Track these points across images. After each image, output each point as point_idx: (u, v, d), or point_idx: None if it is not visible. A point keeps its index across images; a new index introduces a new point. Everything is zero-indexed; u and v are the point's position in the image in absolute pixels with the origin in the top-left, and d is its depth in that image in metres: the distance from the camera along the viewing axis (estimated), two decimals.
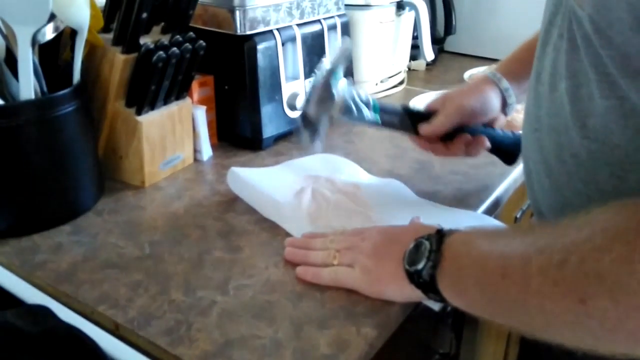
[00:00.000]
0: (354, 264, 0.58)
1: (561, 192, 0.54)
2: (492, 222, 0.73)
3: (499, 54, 1.46)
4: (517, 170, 0.86)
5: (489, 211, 0.78)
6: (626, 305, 0.37)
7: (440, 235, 0.52)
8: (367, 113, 0.73)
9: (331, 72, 0.70)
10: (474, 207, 0.76)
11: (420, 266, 0.51)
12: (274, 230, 0.69)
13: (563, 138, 0.52)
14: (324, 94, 0.70)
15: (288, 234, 0.68)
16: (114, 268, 0.62)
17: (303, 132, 0.72)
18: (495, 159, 0.80)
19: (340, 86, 0.71)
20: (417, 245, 0.52)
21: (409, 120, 0.75)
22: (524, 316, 0.44)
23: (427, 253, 0.51)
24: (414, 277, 0.52)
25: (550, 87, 0.54)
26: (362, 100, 0.73)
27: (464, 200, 0.77)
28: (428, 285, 0.51)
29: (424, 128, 0.74)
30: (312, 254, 0.62)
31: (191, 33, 0.78)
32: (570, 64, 0.50)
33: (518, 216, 1.00)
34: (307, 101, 0.71)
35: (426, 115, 0.75)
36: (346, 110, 0.72)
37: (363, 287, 0.57)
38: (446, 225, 0.54)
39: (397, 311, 0.56)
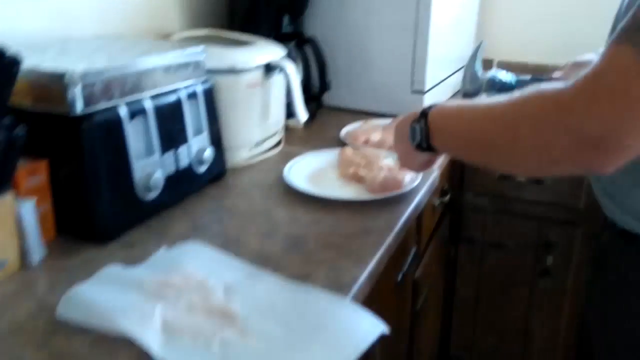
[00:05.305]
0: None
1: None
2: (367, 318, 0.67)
3: (374, 106, 1.47)
4: (389, 239, 0.84)
5: (365, 286, 0.74)
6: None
7: (424, 117, 0.78)
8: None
9: (472, 62, 1.16)
10: (348, 287, 0.71)
11: (419, 140, 0.79)
12: (114, 353, 0.58)
13: None
14: (471, 77, 1.15)
15: (131, 357, 0.57)
16: None
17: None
18: (370, 226, 0.86)
19: (483, 72, 1.16)
20: (413, 129, 0.80)
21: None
22: (480, 148, 0.71)
23: (419, 131, 0.78)
24: (419, 147, 0.80)
25: None
26: (502, 83, 1.10)
27: (337, 280, 0.72)
28: (428, 148, 0.78)
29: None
30: None
31: (7, 118, 0.67)
32: None
33: (399, 279, 0.95)
34: (464, 80, 1.19)
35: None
36: (491, 90, 1.11)
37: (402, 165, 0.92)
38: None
39: None
